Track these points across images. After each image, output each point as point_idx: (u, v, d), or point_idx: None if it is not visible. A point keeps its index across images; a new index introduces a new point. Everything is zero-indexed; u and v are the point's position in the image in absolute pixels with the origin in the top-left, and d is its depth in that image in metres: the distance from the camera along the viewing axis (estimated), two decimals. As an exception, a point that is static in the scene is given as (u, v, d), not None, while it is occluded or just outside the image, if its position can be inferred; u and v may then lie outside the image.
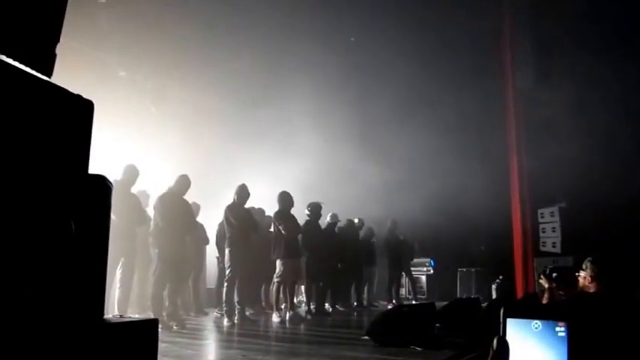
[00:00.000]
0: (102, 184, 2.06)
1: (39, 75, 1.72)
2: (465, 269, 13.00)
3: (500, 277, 8.06)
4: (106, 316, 2.11)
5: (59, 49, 1.86)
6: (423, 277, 13.32)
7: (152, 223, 7.77)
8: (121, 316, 2.34)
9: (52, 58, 1.83)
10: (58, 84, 1.76)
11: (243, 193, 8.32)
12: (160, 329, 2.50)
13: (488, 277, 10.96)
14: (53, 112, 1.74)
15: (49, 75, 1.80)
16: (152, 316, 7.04)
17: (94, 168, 1.96)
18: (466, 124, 12.61)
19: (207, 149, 11.98)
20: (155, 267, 7.46)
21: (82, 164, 1.91)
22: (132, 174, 7.57)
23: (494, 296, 7.73)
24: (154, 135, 10.49)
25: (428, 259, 13.46)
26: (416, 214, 11.94)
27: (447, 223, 12.45)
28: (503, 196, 12.15)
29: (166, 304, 7.40)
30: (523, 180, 12.08)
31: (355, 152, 12.81)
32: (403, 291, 12.88)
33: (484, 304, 7.17)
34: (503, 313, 2.27)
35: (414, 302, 10.81)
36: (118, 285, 7.19)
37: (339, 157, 12.85)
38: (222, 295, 8.25)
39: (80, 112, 1.83)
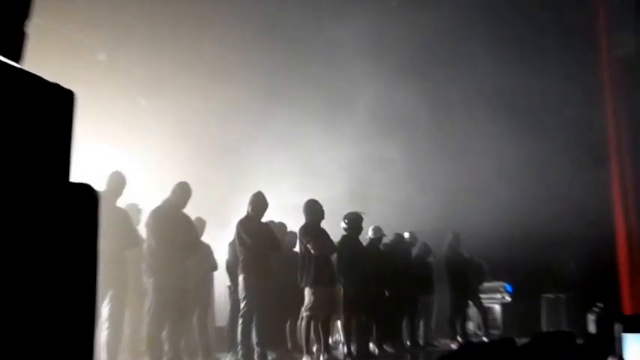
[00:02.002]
0: (88, 195, 2.06)
1: (5, 60, 1.75)
2: (551, 295, 12.88)
3: (599, 304, 7.96)
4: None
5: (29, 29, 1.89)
6: (497, 307, 13.22)
7: (145, 244, 7.87)
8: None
9: (22, 38, 1.83)
10: (29, 70, 1.79)
11: (259, 203, 8.38)
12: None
13: (583, 305, 10.87)
14: (25, 105, 1.77)
15: (18, 59, 1.82)
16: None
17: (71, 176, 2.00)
18: (549, 109, 12.61)
19: (212, 151, 12.11)
20: (150, 301, 7.55)
21: (63, 170, 1.94)
22: (117, 183, 7.69)
23: (591, 330, 7.64)
24: (144, 134, 10.63)
25: (502, 283, 13.36)
26: (484, 225, 11.89)
27: (525, 237, 12.39)
28: (601, 200, 12.07)
29: (166, 348, 7.49)
30: (626, 181, 11.99)
31: (403, 145, 12.91)
32: (471, 325, 12.80)
33: (578, 341, 7.09)
34: (619, 327, 2.26)
35: (485, 340, 10.72)
36: (105, 325, 7.31)
37: (383, 152, 12.95)
38: (236, 335, 8.31)
39: (59, 104, 1.87)
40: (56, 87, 1.86)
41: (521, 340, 6.87)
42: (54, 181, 1.88)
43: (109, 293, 7.33)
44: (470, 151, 13.94)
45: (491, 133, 12.71)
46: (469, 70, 13.27)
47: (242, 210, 8.54)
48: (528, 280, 13.30)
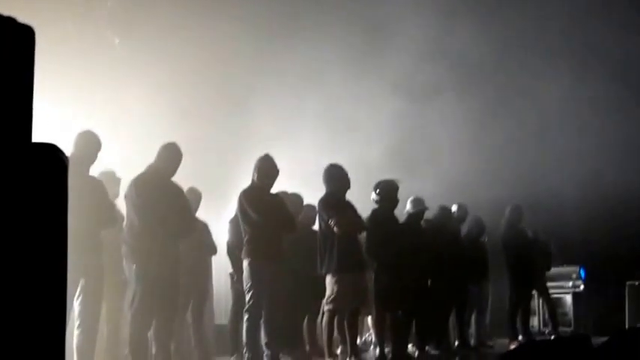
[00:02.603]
0: (53, 158, 2.07)
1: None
2: (637, 282, 12.84)
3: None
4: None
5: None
6: (568, 298, 13.25)
7: (125, 222, 7.92)
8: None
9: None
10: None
11: (267, 169, 8.39)
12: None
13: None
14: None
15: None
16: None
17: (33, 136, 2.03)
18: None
19: (208, 103, 12.14)
20: (133, 293, 7.62)
21: (22, 127, 1.96)
22: (89, 146, 7.70)
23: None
24: (119, 83, 10.67)
25: (575, 268, 13.36)
26: (553, 196, 11.89)
27: (603, 210, 12.35)
28: None
29: (153, 351, 7.57)
30: None
31: (456, 98, 12.95)
32: (535, 320, 12.84)
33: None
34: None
35: (553, 338, 10.75)
36: (77, 324, 7.39)
37: (430, 107, 12.99)
38: (240, 334, 8.40)
39: (16, 43, 1.89)
40: (10, 22, 1.87)
41: (598, 340, 6.90)
42: (11, 140, 1.89)
43: (81, 284, 7.37)
44: (539, 105, 14.00)
45: (569, 85, 12.83)
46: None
47: (246, 178, 8.56)
48: (608, 264, 13.28)
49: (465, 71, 13.66)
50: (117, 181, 8.73)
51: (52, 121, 8.53)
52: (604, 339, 6.83)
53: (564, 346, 6.14)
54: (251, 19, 12.75)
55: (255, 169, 8.42)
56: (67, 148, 7.62)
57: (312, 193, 9.48)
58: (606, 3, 13.15)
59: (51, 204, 2.03)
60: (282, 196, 8.94)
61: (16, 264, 1.84)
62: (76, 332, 7.38)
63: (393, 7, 13.29)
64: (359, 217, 8.99)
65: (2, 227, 1.83)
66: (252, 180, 8.43)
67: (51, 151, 2.06)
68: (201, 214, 9.47)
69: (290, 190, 9.75)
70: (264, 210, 8.22)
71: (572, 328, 12.83)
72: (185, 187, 8.53)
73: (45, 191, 2.00)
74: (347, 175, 8.91)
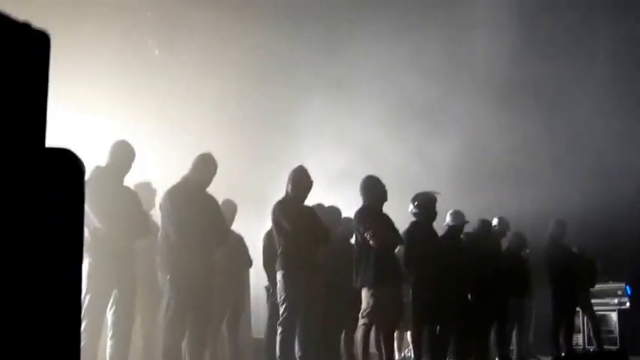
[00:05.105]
0: (69, 163, 2.07)
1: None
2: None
3: None
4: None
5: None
6: (613, 315, 13.12)
7: (160, 233, 7.99)
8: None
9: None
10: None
11: (301, 180, 8.44)
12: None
13: None
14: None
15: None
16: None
17: (59, 144, 2.05)
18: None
19: (245, 117, 12.23)
20: (167, 303, 7.68)
21: (36, 132, 2.00)
22: (124, 156, 7.77)
23: None
24: (157, 93, 10.78)
25: (621, 285, 13.23)
26: (598, 211, 11.80)
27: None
28: None
29: (187, 362, 7.63)
30: None
31: (500, 106, 12.99)
32: (579, 338, 12.72)
33: None
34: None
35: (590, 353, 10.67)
36: (109, 333, 7.47)
37: (469, 116, 13.02)
38: (274, 347, 8.40)
39: (30, 49, 1.93)
40: (25, 28, 1.90)
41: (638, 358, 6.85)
42: (25, 145, 1.92)
43: (114, 295, 7.45)
44: (583, 116, 13.96)
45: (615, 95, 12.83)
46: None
47: (281, 190, 8.63)
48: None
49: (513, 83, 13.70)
50: (153, 192, 8.84)
51: (89, 131, 8.63)
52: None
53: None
54: (297, 36, 12.86)
55: (289, 180, 8.49)
56: (103, 157, 7.77)
57: (349, 206, 9.49)
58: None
59: (66, 209, 2.03)
60: (317, 209, 8.99)
61: (30, 271, 1.84)
62: (109, 343, 7.45)
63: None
64: (395, 230, 9.00)
65: (16, 232, 1.83)
66: (287, 192, 8.49)
67: (65, 155, 2.04)
68: (237, 226, 9.53)
69: (326, 202, 9.80)
70: (298, 221, 8.26)
71: (617, 346, 12.68)
72: (221, 199, 8.59)
73: (59, 196, 2.01)
74: (384, 187, 8.92)
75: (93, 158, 7.55)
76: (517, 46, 13.53)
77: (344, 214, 9.89)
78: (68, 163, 2.08)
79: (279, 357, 8.19)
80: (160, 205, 7.88)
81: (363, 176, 9.10)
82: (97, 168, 7.52)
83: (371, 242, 8.54)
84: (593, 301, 12.38)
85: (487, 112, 13.36)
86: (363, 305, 8.63)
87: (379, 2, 13.51)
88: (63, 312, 1.93)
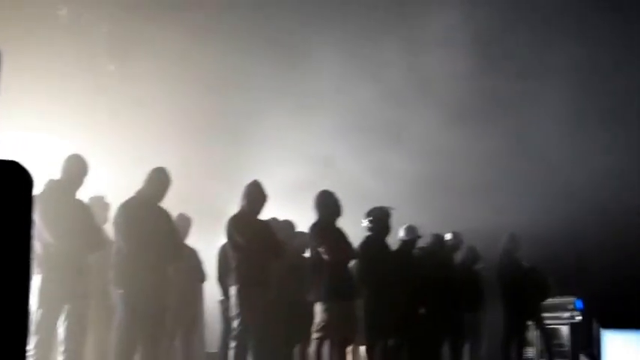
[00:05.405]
0: (16, 175, 2.09)
1: None
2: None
3: None
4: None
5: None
6: (565, 329, 13.22)
7: (113, 248, 7.94)
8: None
9: None
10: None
11: (255, 195, 8.47)
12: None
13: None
14: None
15: None
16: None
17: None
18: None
19: (199, 131, 12.23)
20: (119, 319, 7.68)
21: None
22: (77, 170, 7.75)
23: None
24: (112, 108, 10.76)
25: (571, 299, 13.36)
26: (550, 225, 11.92)
27: (602, 239, 12.39)
28: None
29: (139, 377, 7.63)
30: None
31: (448, 122, 13.09)
32: (531, 351, 12.84)
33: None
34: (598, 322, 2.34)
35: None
36: (61, 349, 7.43)
37: (419, 131, 13.14)
38: (229, 362, 8.42)
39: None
40: None
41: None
42: None
43: (67, 308, 7.43)
44: (539, 131, 14.16)
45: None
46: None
47: (235, 204, 8.65)
48: (606, 294, 13.28)
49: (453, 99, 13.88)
50: (106, 206, 8.82)
51: (43, 146, 8.61)
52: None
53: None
54: (254, 50, 12.93)
55: (243, 195, 8.49)
56: (56, 171, 7.74)
57: (303, 220, 9.54)
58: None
59: (13, 221, 2.04)
60: (272, 223, 9.02)
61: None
62: (59, 358, 7.43)
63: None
64: (349, 244, 9.01)
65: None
66: (241, 206, 8.50)
67: (13, 167, 2.07)
68: (191, 240, 9.55)
69: (281, 217, 9.84)
70: (252, 236, 8.28)
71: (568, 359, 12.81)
72: (175, 212, 8.62)
73: (6, 208, 2.02)
74: (338, 201, 8.94)
75: (46, 173, 7.56)
76: (476, 61, 13.68)
77: (299, 228, 9.93)
78: (16, 175, 2.10)
79: (234, 371, 8.21)
80: (114, 219, 7.86)
81: (318, 190, 9.13)
82: (50, 182, 7.51)
83: (324, 256, 8.56)
84: (544, 314, 12.48)
85: (444, 127, 13.44)
86: (317, 319, 8.64)
87: (338, 16, 13.60)
88: (9, 326, 1.97)
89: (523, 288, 11.71)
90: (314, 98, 13.42)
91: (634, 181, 13.01)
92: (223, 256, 9.10)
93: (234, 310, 8.32)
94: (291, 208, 10.24)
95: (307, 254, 9.11)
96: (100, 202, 8.79)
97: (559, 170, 13.98)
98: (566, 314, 13.32)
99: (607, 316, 11.39)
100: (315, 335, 8.66)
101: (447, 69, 13.68)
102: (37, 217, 7.26)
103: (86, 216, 7.87)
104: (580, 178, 13.09)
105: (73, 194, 7.78)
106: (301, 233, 9.73)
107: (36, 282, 7.04)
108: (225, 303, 9.31)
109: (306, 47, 13.45)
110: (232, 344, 8.29)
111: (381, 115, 13.84)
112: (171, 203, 8.28)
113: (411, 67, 13.82)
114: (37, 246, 7.08)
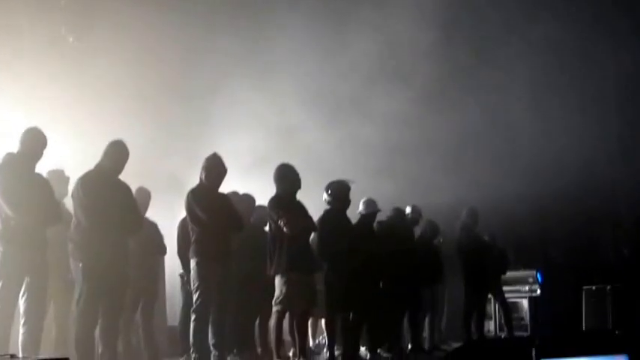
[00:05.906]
0: None
1: None
2: (593, 287, 13.03)
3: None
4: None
5: None
6: (524, 302, 13.40)
7: (72, 221, 7.93)
8: None
9: None
10: None
11: (214, 168, 8.48)
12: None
13: (636, 299, 11.00)
14: None
15: None
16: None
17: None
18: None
19: (159, 104, 12.20)
20: (79, 292, 7.67)
21: None
22: (34, 144, 7.75)
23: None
24: (70, 81, 10.70)
25: (532, 272, 13.51)
26: (509, 198, 12.04)
27: (561, 214, 12.56)
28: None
29: (100, 350, 7.64)
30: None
31: (411, 92, 13.17)
32: (491, 325, 12.98)
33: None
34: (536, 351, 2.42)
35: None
36: (22, 321, 7.48)
37: (383, 104, 13.20)
38: (189, 334, 8.45)
39: None
40: None
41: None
42: None
43: (26, 282, 7.47)
44: (499, 106, 14.25)
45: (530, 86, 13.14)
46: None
47: (195, 178, 8.68)
48: (565, 267, 13.46)
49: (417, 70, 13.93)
50: (65, 179, 8.74)
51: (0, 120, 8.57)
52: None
53: (516, 343, 6.29)
54: (215, 19, 12.89)
55: (203, 168, 8.50)
56: (14, 144, 7.73)
57: (263, 194, 9.56)
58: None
59: None
60: (232, 196, 9.04)
61: None
62: (21, 330, 7.46)
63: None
64: (309, 217, 9.06)
65: None
66: (200, 179, 8.52)
67: None
68: (151, 213, 9.56)
69: (241, 190, 9.88)
70: (211, 209, 8.30)
71: (528, 333, 12.95)
72: (135, 186, 8.62)
73: None
74: (298, 175, 8.95)
75: (4, 147, 7.55)
76: (444, 35, 13.72)
77: (259, 202, 9.95)
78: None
79: (193, 344, 8.25)
80: (72, 193, 7.84)
81: (278, 164, 9.17)
82: (8, 155, 7.51)
83: (284, 229, 8.56)
84: (504, 288, 12.62)
85: (410, 101, 13.44)
86: (277, 292, 8.66)
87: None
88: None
89: (482, 261, 11.87)
90: (278, 69, 13.40)
91: (598, 159, 13.17)
92: (183, 229, 9.09)
93: (194, 284, 8.34)
94: (252, 182, 10.27)
95: (267, 228, 9.13)
96: (59, 175, 8.71)
97: (524, 147, 14.10)
98: (526, 287, 13.46)
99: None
100: (275, 308, 8.68)
101: (415, 43, 13.68)
102: (-4, 190, 7.30)
103: (45, 189, 7.87)
104: (541, 151, 13.23)
105: (32, 168, 7.78)
106: (261, 207, 9.76)
107: (-4, 255, 7.09)
108: (185, 276, 9.33)
109: (271, 17, 13.44)
110: (192, 317, 8.32)
111: (344, 88, 13.84)
112: (131, 176, 8.28)
113: (379, 40, 13.82)
114: (-4, 219, 7.13)
